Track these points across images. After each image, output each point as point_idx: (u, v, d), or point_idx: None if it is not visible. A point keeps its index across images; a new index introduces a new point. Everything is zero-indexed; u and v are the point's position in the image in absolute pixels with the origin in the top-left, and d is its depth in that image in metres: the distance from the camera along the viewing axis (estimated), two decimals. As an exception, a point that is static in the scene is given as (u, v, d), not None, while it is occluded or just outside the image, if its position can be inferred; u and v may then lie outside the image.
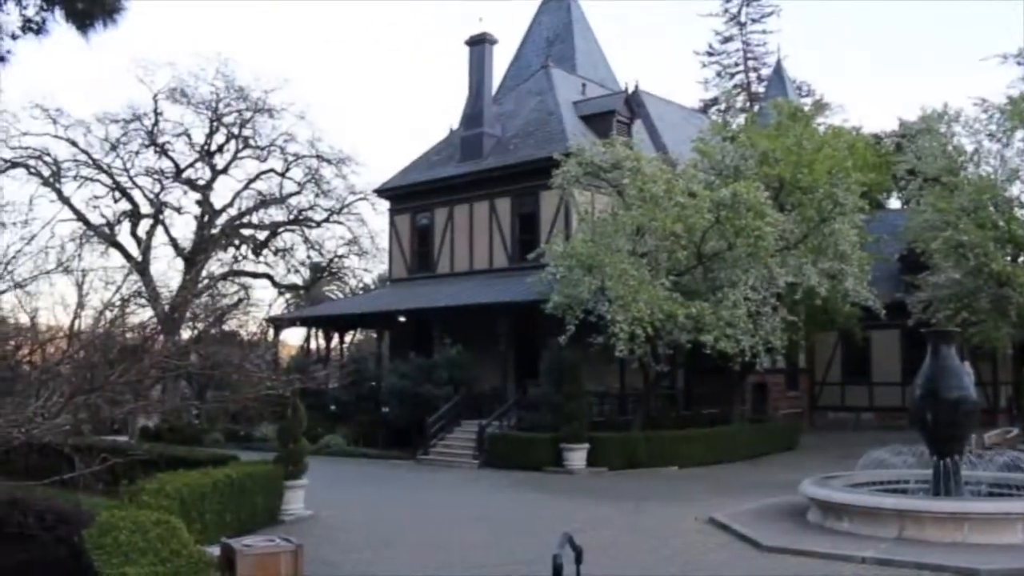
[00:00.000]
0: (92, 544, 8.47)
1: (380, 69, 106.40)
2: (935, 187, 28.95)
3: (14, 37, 13.37)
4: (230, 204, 44.78)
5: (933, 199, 28.52)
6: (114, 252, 42.24)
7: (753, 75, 66.29)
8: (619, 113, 33.41)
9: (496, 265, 32.56)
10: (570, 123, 32.70)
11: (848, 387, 39.20)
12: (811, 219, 26.73)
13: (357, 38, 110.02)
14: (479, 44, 34.46)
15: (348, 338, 39.36)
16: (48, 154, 41.08)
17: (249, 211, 45.31)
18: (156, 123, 42.62)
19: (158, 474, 13.23)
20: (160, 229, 43.57)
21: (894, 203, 44.60)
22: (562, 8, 42.66)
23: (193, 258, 42.50)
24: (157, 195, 43.29)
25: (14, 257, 10.87)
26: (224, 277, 43.97)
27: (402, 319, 32.72)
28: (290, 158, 45.11)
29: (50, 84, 71.46)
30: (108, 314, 11.83)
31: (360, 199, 46.30)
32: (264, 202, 45.41)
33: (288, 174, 45.51)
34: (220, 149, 44.33)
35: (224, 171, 44.63)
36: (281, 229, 46.52)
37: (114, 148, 42.00)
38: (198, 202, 44.17)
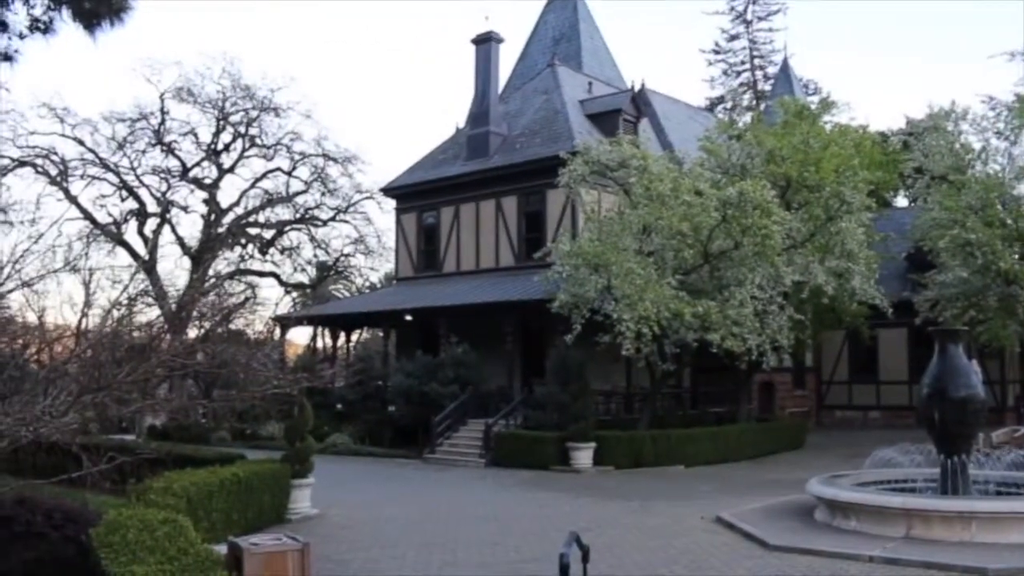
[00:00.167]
0: (99, 543, 8.48)
1: (386, 68, 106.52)
2: (942, 185, 28.87)
3: (21, 36, 13.42)
4: (236, 203, 44.95)
5: (940, 197, 28.44)
6: (121, 251, 42.50)
7: (759, 73, 66.30)
8: (625, 112, 33.39)
9: (502, 264, 32.57)
10: (576, 122, 32.68)
11: (855, 386, 39.08)
12: (818, 217, 26.68)
13: (363, 37, 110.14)
14: (485, 43, 34.46)
15: (354, 337, 39.47)
16: (55, 153, 41.29)
17: (256, 210, 45.44)
18: (163, 122, 42.79)
19: (165, 473, 13.26)
20: (167, 228, 43.80)
21: (901, 201, 44.54)
22: (568, 7, 42.65)
23: (200, 257, 42.61)
24: (164, 194, 43.45)
25: (22, 256, 10.88)
26: (231, 276, 44.08)
27: (408, 318, 32.73)
28: (296, 157, 45.25)
29: (57, 83, 71.73)
30: (115, 313, 11.85)
31: (366, 198, 46.44)
32: (271, 201, 45.51)
33: (294, 173, 45.67)
34: (227, 148, 44.49)
35: (231, 170, 44.77)
36: (287, 228, 46.64)
37: (121, 147, 42.17)
38: (205, 201, 44.31)
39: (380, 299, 37.38)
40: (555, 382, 25.77)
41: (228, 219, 44.59)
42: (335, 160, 45.30)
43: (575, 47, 41.23)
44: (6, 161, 39.58)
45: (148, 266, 40.54)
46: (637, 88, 37.30)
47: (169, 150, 43.32)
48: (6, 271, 10.78)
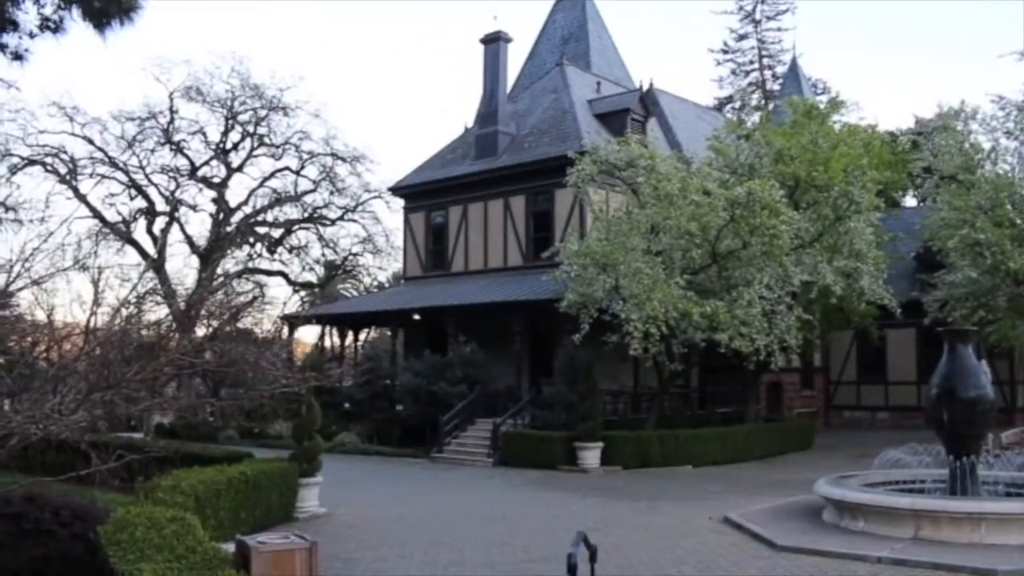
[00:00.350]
0: (108, 540, 8.50)
1: (395, 67, 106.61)
2: (952, 185, 28.78)
3: (32, 36, 13.46)
4: (245, 202, 45.03)
5: (950, 197, 28.36)
6: (130, 249, 42.59)
7: (768, 73, 66.17)
8: (634, 111, 33.38)
9: (510, 263, 32.56)
10: (585, 121, 32.67)
11: (863, 386, 39.01)
12: (826, 217, 26.63)
13: (372, 36, 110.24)
14: (494, 42, 34.46)
15: (362, 336, 39.42)
16: (65, 152, 41.40)
17: (264, 209, 45.51)
18: (172, 121, 42.88)
19: (173, 471, 13.26)
20: (175, 227, 43.93)
21: (910, 201, 44.37)
22: (577, 6, 42.63)
23: (208, 256, 42.68)
24: (172, 193, 43.55)
25: (31, 254, 10.92)
26: (239, 275, 44.12)
27: (416, 317, 32.75)
28: (305, 156, 45.30)
29: (67, 82, 71.93)
30: (124, 311, 11.89)
31: (375, 197, 46.45)
32: (279, 200, 45.57)
33: (303, 172, 45.74)
34: (235, 147, 44.57)
35: (239, 169, 44.85)
36: (296, 227, 46.70)
37: (130, 146, 42.28)
38: (213, 200, 44.40)
39: (388, 298, 37.41)
40: (563, 382, 25.76)
41: (237, 218, 44.68)
42: (343, 159, 45.38)
43: (583, 47, 41.21)
44: (16, 160, 39.77)
45: (157, 265, 40.61)
46: (645, 88, 37.28)
47: (178, 149, 43.42)
48: (16, 269, 10.82)
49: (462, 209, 34.42)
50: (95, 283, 11.74)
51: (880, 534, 13.27)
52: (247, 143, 44.56)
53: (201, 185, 44.39)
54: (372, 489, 20.75)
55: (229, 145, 44.39)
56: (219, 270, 42.29)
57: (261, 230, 45.94)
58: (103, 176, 42.53)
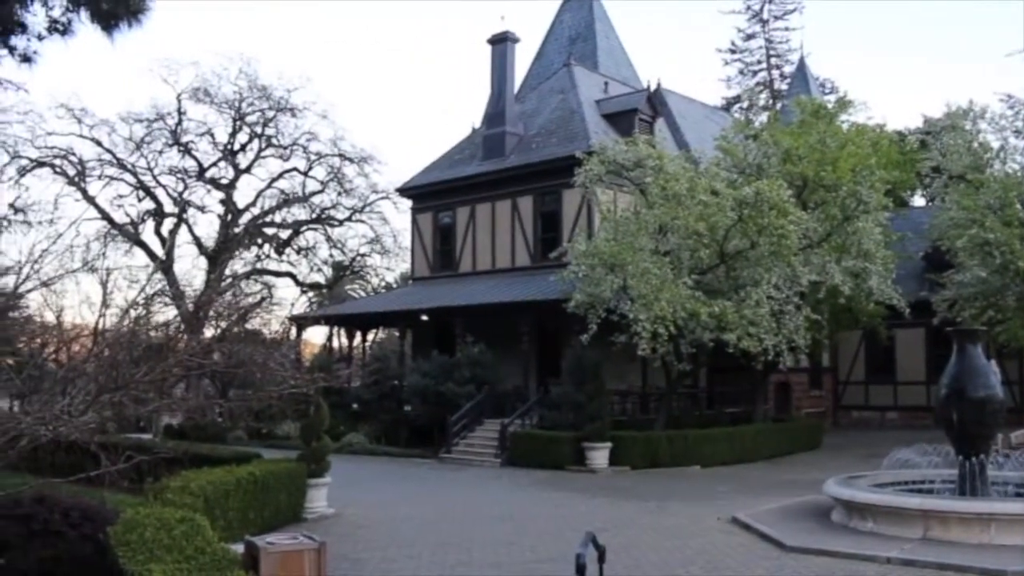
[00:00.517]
0: (117, 541, 8.52)
1: (402, 68, 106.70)
2: (960, 184, 28.72)
3: (40, 38, 13.50)
4: (253, 203, 45.13)
5: (958, 196, 28.29)
6: (138, 251, 42.73)
7: (776, 72, 66.12)
8: (641, 111, 33.35)
9: (518, 264, 32.56)
10: (592, 121, 32.66)
11: (872, 386, 38.95)
12: (835, 217, 26.59)
13: (380, 37, 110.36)
14: (501, 43, 34.46)
15: (370, 337, 39.50)
16: (73, 153, 41.52)
17: (272, 210, 45.60)
18: (180, 122, 42.98)
19: (182, 472, 13.29)
20: (184, 228, 44.01)
21: (918, 201, 44.31)
22: (584, 6, 42.62)
23: (216, 257, 42.78)
24: (181, 194, 43.66)
25: (41, 256, 10.96)
26: (247, 276, 44.22)
27: (424, 318, 32.77)
28: (312, 157, 45.39)
29: (75, 84, 72.16)
30: (133, 313, 11.92)
31: (382, 198, 46.55)
32: (287, 201, 45.65)
33: (311, 173, 45.82)
34: (243, 148, 44.67)
35: (247, 170, 44.93)
36: (304, 228, 46.78)
37: (138, 147, 42.39)
38: (221, 201, 44.48)
39: (396, 299, 37.43)
40: (571, 382, 25.76)
41: (245, 219, 44.77)
42: (351, 160, 45.44)
43: (591, 47, 41.20)
44: (25, 161, 39.89)
45: (165, 266, 40.76)
46: (653, 88, 37.24)
47: (186, 150, 43.52)
48: (25, 271, 10.87)
49: (470, 209, 34.43)
50: (104, 284, 11.82)
51: (889, 534, 13.24)
52: (255, 144, 44.69)
53: (209, 186, 44.50)
54: (380, 489, 20.76)
55: (237, 146, 44.52)
56: (227, 271, 42.42)
57: (269, 231, 46.05)
58: (111, 178, 42.67)
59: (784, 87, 59.63)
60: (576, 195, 29.53)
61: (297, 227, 46.42)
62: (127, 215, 43.19)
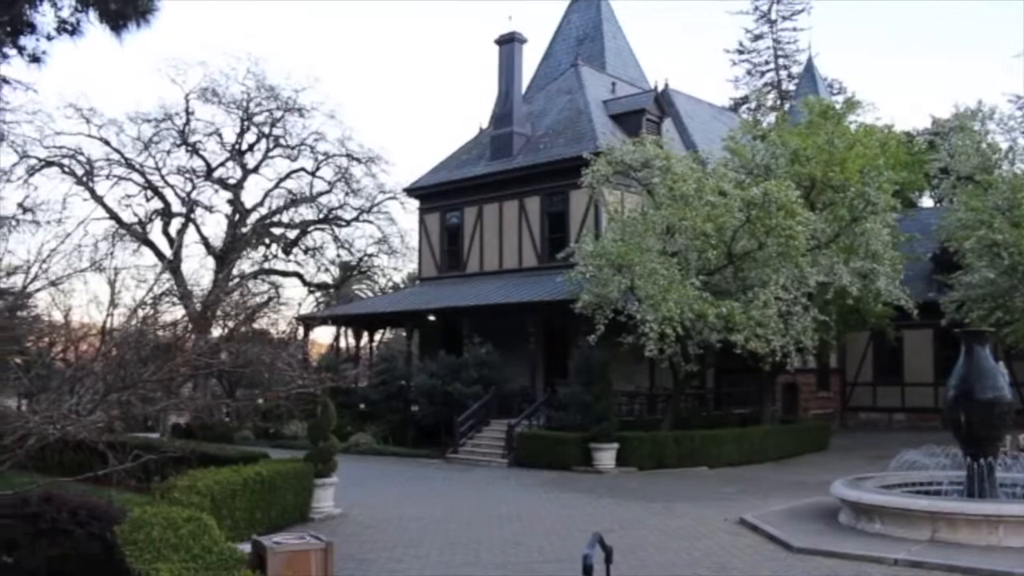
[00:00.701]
0: (124, 540, 8.54)
1: (410, 68, 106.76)
2: (968, 185, 28.65)
3: (49, 38, 13.58)
4: (261, 203, 45.18)
5: (967, 197, 28.23)
6: (146, 250, 42.82)
7: (784, 73, 66.01)
8: (649, 112, 33.33)
9: (525, 264, 32.56)
10: (600, 122, 32.65)
11: (880, 387, 38.88)
12: (843, 218, 26.54)
13: (387, 37, 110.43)
14: (509, 43, 34.46)
15: (378, 337, 39.49)
16: (81, 153, 41.61)
17: (279, 210, 45.65)
18: (187, 122, 43.05)
19: (189, 471, 13.31)
20: (191, 228, 44.06)
21: (927, 202, 44.22)
22: (592, 7, 42.57)
23: (224, 257, 42.82)
24: (188, 194, 43.71)
25: (49, 255, 10.97)
26: (255, 275, 44.27)
27: (432, 318, 32.78)
28: (320, 157, 45.43)
29: (83, 84, 72.27)
30: (140, 312, 11.92)
31: (390, 198, 46.57)
32: (294, 201, 45.71)
33: (318, 173, 45.86)
34: (251, 148, 44.73)
35: (255, 170, 45.00)
36: (311, 228, 46.83)
37: (146, 147, 42.47)
38: (229, 201, 44.56)
39: (403, 299, 37.47)
40: (578, 382, 25.74)
41: (252, 219, 44.83)
42: (359, 160, 45.48)
43: (598, 47, 41.15)
44: (33, 161, 39.97)
45: (173, 266, 40.74)
46: (660, 88, 37.20)
47: (194, 150, 43.60)
48: (34, 270, 10.87)
49: (477, 210, 34.44)
50: (112, 284, 11.79)
51: (897, 536, 13.21)
52: (262, 144, 44.76)
53: (217, 186, 44.58)
54: (387, 490, 20.77)
55: (245, 146, 44.57)
56: (235, 271, 42.42)
57: (276, 231, 46.11)
58: (119, 177, 42.75)
59: (792, 88, 59.49)
60: (583, 195, 29.53)
61: (304, 227, 46.47)
62: (135, 215, 43.34)
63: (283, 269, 47.18)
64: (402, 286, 50.16)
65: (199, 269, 49.28)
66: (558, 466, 24.36)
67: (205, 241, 44.36)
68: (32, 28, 13.81)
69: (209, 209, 44.52)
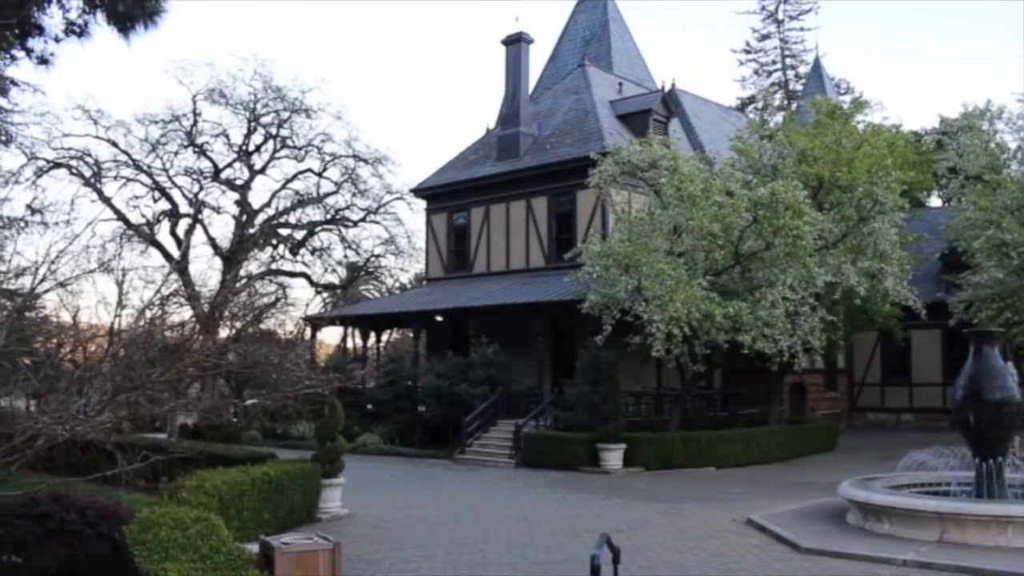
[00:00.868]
0: (133, 540, 8.56)
1: (416, 68, 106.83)
2: (977, 185, 28.59)
3: (57, 40, 13.61)
4: (268, 204, 45.22)
5: (975, 197, 28.16)
6: (154, 251, 42.85)
7: (791, 73, 65.93)
8: (656, 112, 33.31)
9: (533, 264, 32.56)
10: (607, 122, 32.64)
11: (888, 388, 38.81)
12: (850, 218, 26.49)
13: (393, 37, 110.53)
14: (515, 43, 34.48)
15: (385, 337, 39.54)
16: (89, 155, 41.67)
17: (286, 211, 45.68)
18: (195, 123, 43.09)
19: (197, 471, 13.34)
20: (199, 229, 44.09)
21: (935, 201, 44.09)
22: (598, 7, 42.57)
23: (232, 257, 42.87)
24: (196, 195, 43.79)
25: (57, 257, 11.00)
26: (262, 276, 44.31)
27: (439, 318, 32.79)
28: (327, 158, 45.45)
29: (91, 85, 72.44)
30: (148, 313, 11.96)
31: (397, 199, 46.59)
32: (301, 202, 45.74)
33: (325, 174, 45.88)
34: (258, 149, 44.77)
35: (262, 171, 45.05)
36: (318, 229, 46.85)
37: (154, 148, 42.53)
38: (236, 202, 44.61)
39: (410, 299, 37.49)
40: (585, 383, 25.72)
41: (259, 220, 44.87)
42: (365, 161, 45.48)
43: (605, 47, 41.14)
44: (41, 163, 40.05)
45: (180, 267, 40.81)
46: (667, 88, 37.18)
47: (201, 151, 43.66)
48: (42, 271, 10.91)
49: (484, 210, 34.45)
50: (119, 285, 11.84)
51: (905, 537, 13.19)
52: (269, 145, 44.78)
53: (224, 187, 44.61)
54: (394, 490, 20.79)
55: (252, 147, 44.61)
56: (242, 272, 42.48)
57: (284, 232, 46.14)
58: (127, 179, 42.82)
59: (799, 87, 59.42)
60: (590, 196, 29.52)
61: (311, 228, 46.51)
62: (143, 216, 43.40)
63: (290, 270, 47.23)
64: (409, 287, 50.16)
65: (207, 270, 49.46)
66: (565, 466, 24.36)
67: (212, 242, 44.44)
68: (40, 30, 13.85)
69: (216, 210, 44.63)
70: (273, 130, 44.38)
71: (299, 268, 47.55)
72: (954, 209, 31.95)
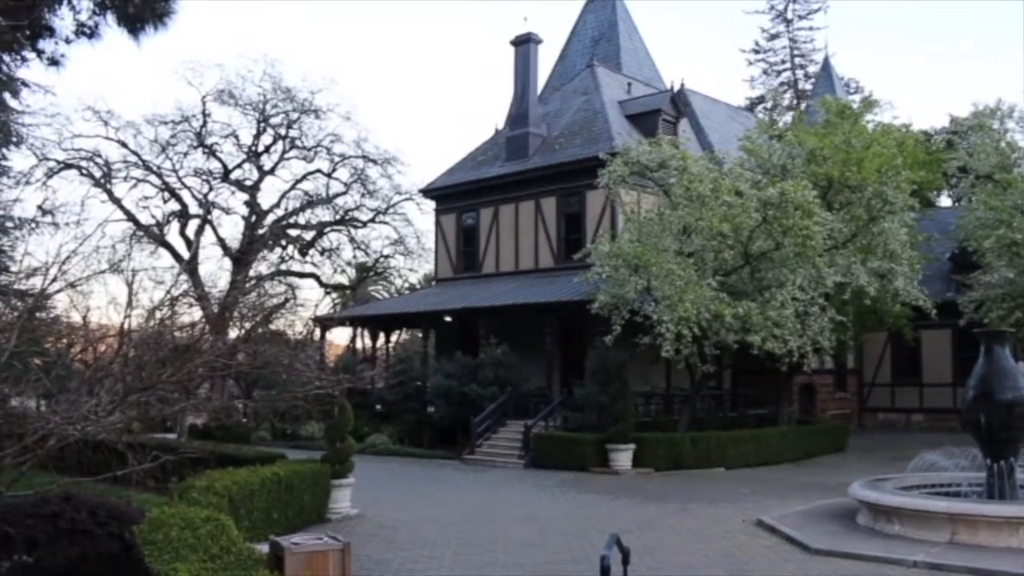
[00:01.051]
0: (143, 540, 8.58)
1: (426, 69, 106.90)
2: (987, 184, 28.51)
3: (68, 41, 13.65)
4: (277, 204, 45.29)
5: (985, 197, 28.08)
6: (164, 252, 42.94)
7: (800, 72, 65.81)
8: (665, 112, 33.26)
9: (542, 265, 32.56)
10: (616, 122, 32.62)
11: (898, 388, 38.71)
12: (860, 218, 26.42)
13: (402, 38, 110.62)
14: (524, 44, 34.48)
15: (394, 338, 39.57)
16: (99, 155, 41.77)
17: (296, 211, 45.75)
18: (204, 124, 43.17)
19: (207, 472, 13.37)
20: (208, 229, 44.17)
21: (945, 201, 43.99)
22: (607, 7, 42.54)
23: (241, 258, 42.94)
24: (205, 196, 43.86)
25: (67, 257, 11.04)
26: (271, 277, 44.36)
27: (448, 319, 32.82)
28: (336, 158, 45.49)
29: (101, 86, 72.67)
30: (158, 313, 11.98)
31: (406, 199, 46.63)
32: (311, 202, 45.81)
33: (334, 174, 45.90)
34: (267, 150, 44.84)
35: (271, 172, 45.11)
36: (327, 229, 46.90)
37: (163, 149, 42.64)
38: (246, 203, 44.68)
39: (419, 300, 37.51)
40: (594, 383, 25.70)
41: (269, 220, 44.93)
42: (375, 162, 45.53)
43: (614, 47, 41.12)
44: (52, 164, 40.18)
45: (190, 267, 40.88)
46: (676, 88, 37.13)
47: (211, 152, 43.74)
48: (53, 272, 10.94)
49: (493, 210, 34.46)
50: (129, 285, 11.86)
51: (916, 538, 13.14)
52: (279, 146, 44.85)
53: (233, 188, 44.69)
54: (404, 490, 20.80)
55: (261, 148, 44.68)
56: (252, 272, 42.53)
57: (293, 232, 46.20)
58: (137, 179, 42.92)
59: (808, 87, 59.32)
60: (600, 196, 29.50)
61: (321, 228, 46.56)
62: (152, 217, 43.48)
63: (300, 270, 47.30)
64: (418, 287, 50.21)
65: (216, 271, 49.54)
66: (575, 467, 24.34)
67: (222, 243, 44.52)
68: (51, 32, 13.90)
69: (226, 211, 44.70)
70: (282, 131, 44.46)
71: (308, 269, 47.65)
72: (964, 209, 31.86)
